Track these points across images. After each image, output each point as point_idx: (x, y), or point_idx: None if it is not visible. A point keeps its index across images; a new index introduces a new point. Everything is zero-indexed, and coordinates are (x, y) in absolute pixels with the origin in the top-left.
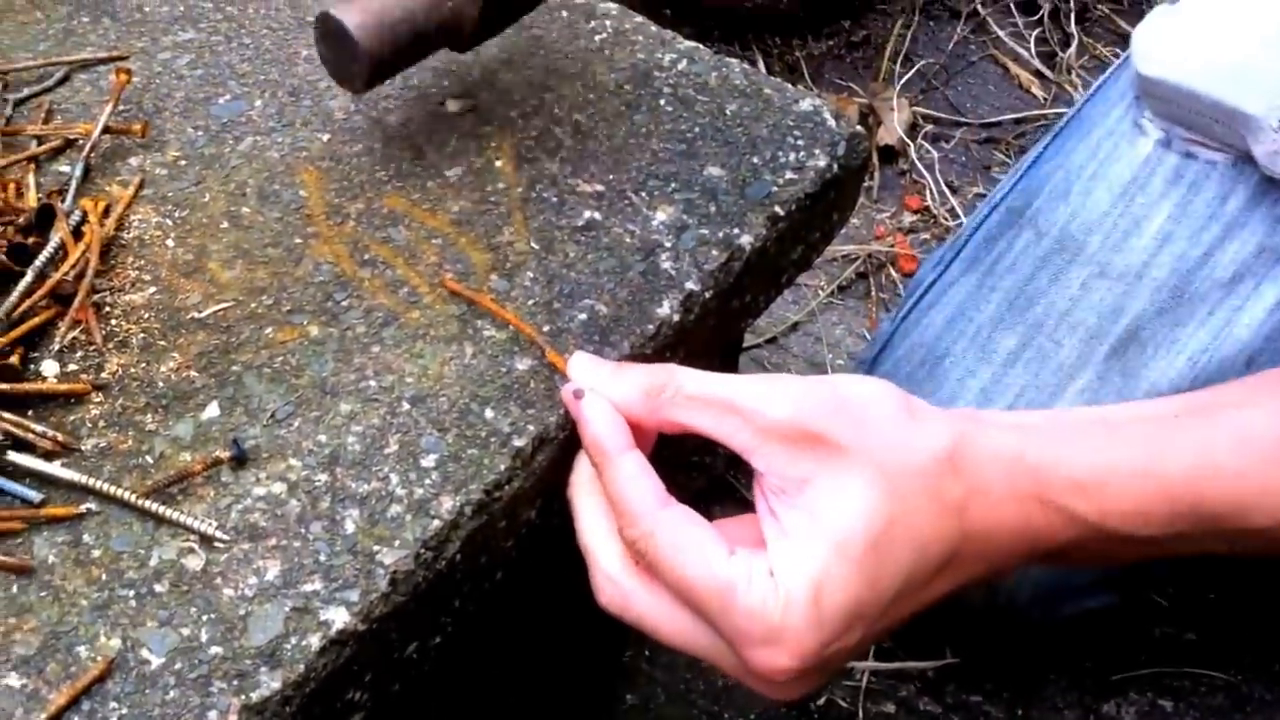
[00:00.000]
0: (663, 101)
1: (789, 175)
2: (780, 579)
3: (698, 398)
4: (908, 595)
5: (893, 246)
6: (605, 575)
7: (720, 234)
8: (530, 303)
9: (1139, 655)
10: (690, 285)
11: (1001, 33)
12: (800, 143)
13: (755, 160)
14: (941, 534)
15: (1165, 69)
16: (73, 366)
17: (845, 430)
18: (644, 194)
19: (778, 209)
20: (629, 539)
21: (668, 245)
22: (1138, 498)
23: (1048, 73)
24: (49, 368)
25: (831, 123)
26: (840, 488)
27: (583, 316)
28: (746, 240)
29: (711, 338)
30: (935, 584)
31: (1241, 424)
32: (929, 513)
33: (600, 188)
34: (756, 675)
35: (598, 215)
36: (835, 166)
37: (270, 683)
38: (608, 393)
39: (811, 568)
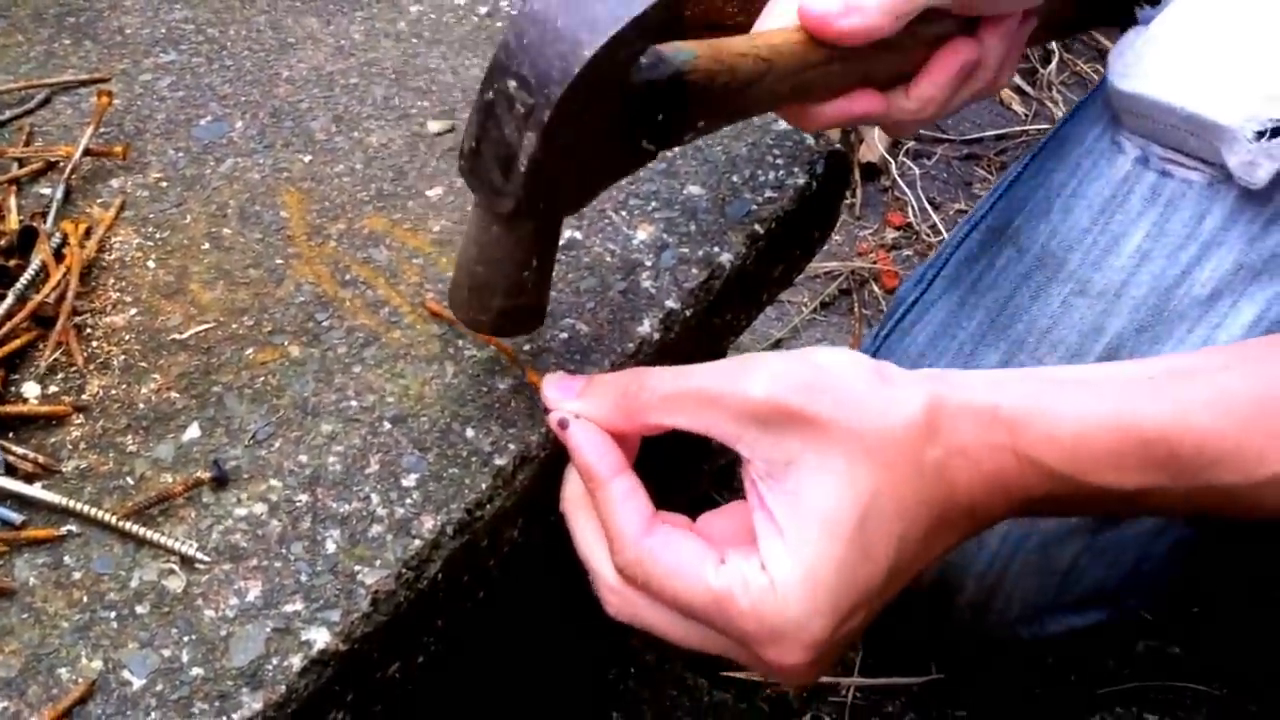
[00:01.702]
0: None
1: (768, 193)
2: (774, 574)
3: (671, 395)
4: (904, 561)
5: (875, 263)
6: (610, 588)
7: (700, 252)
8: None
9: (1124, 669)
10: (670, 304)
11: None
12: (779, 161)
13: (735, 179)
14: (926, 497)
15: (1140, 84)
16: (54, 388)
17: (823, 404)
18: (624, 213)
19: (757, 227)
20: (618, 566)
21: (648, 264)
22: (1111, 450)
23: (1028, 89)
24: (30, 390)
25: (810, 141)
26: (823, 466)
27: (564, 335)
28: (726, 258)
29: (693, 356)
30: (930, 548)
31: (1218, 384)
32: (911, 478)
33: None
34: (774, 669)
35: (578, 234)
36: (815, 184)
37: (252, 703)
38: (582, 410)
39: (803, 556)
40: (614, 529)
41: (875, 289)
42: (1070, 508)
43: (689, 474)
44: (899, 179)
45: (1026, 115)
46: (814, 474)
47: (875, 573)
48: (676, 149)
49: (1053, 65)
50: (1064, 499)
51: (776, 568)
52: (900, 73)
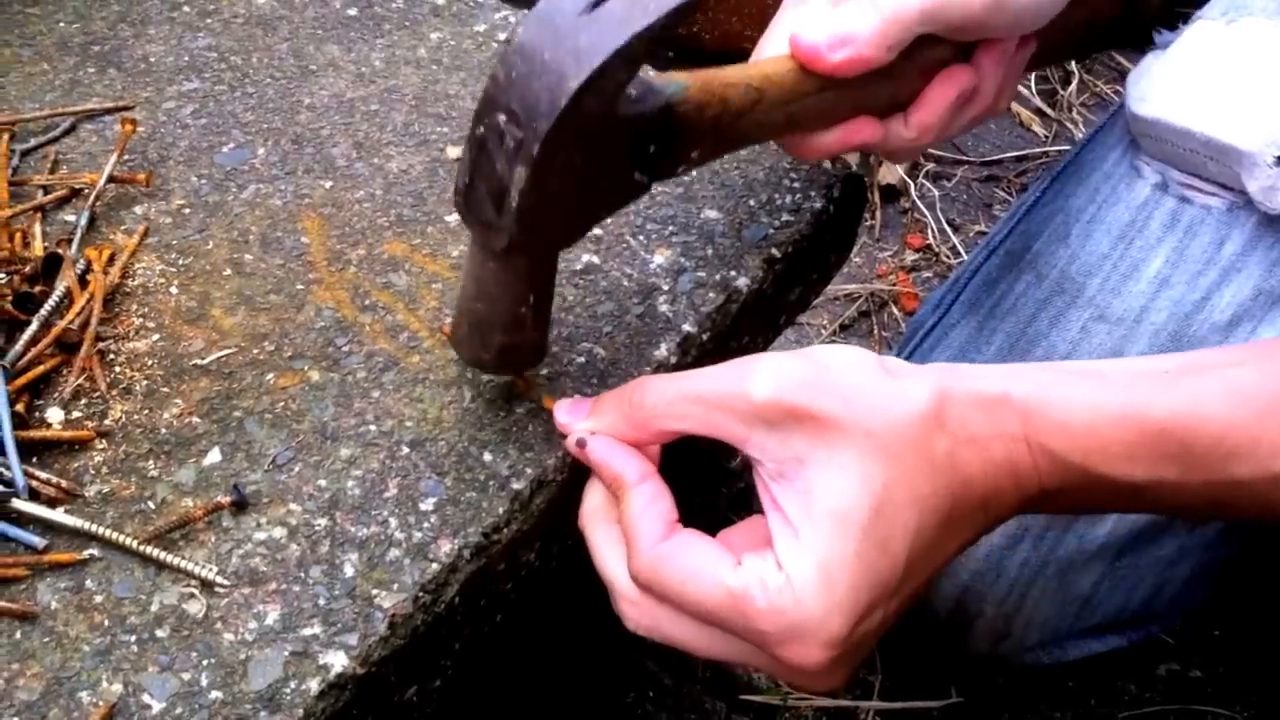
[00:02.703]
0: None
1: (785, 217)
2: (790, 572)
3: (676, 401)
4: (921, 555)
5: (895, 285)
6: (629, 600)
7: (717, 276)
8: None
9: (1145, 693)
10: (688, 328)
11: None
12: (796, 185)
13: (752, 203)
14: (938, 487)
15: (1159, 109)
16: (77, 413)
17: (829, 401)
18: (642, 237)
19: (774, 251)
20: (634, 572)
21: (665, 288)
22: (1124, 440)
23: (1049, 110)
24: (54, 415)
25: (827, 164)
26: (833, 461)
27: (581, 360)
28: (743, 282)
29: None
30: (946, 542)
31: (1233, 378)
32: (923, 469)
33: (598, 231)
34: (795, 671)
35: (595, 259)
36: (831, 208)
37: None
38: (594, 428)
39: (817, 552)
40: (632, 534)
41: (895, 311)
42: (1083, 502)
43: (707, 497)
44: (918, 201)
45: (1047, 137)
46: (824, 471)
47: (892, 567)
48: (688, 176)
49: (1073, 86)
50: (1076, 491)
51: (792, 565)
52: (897, 100)
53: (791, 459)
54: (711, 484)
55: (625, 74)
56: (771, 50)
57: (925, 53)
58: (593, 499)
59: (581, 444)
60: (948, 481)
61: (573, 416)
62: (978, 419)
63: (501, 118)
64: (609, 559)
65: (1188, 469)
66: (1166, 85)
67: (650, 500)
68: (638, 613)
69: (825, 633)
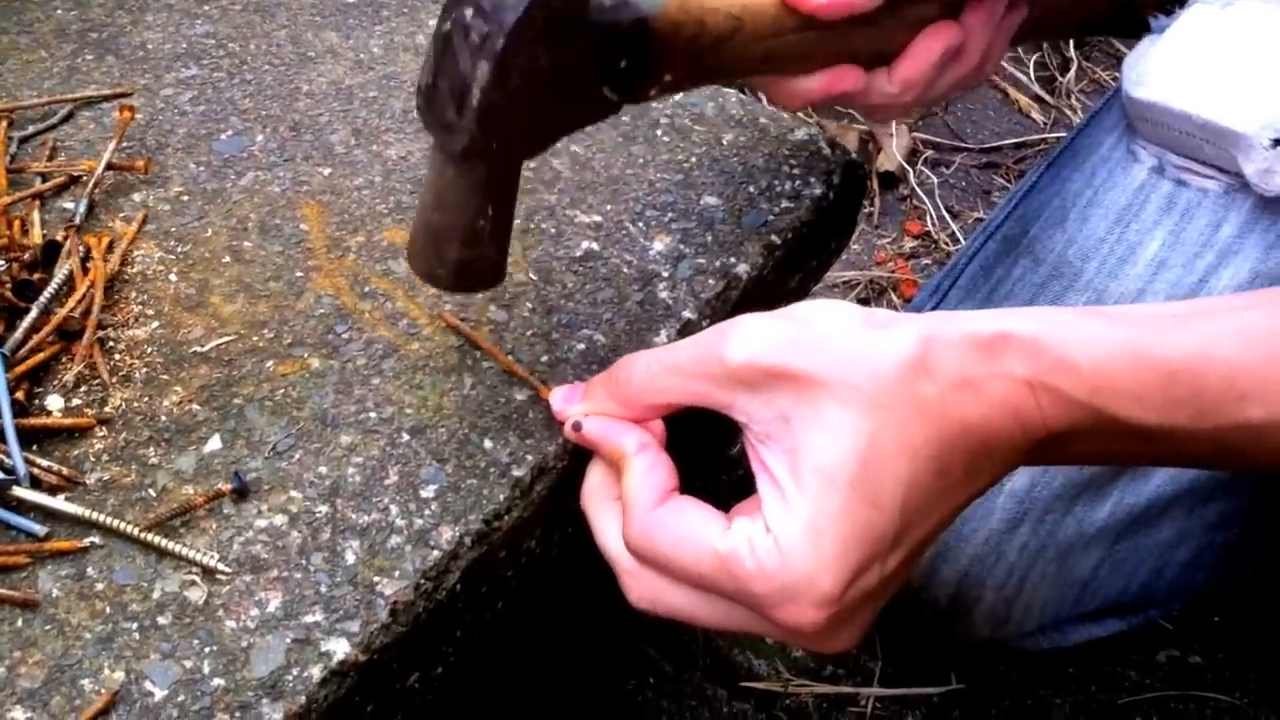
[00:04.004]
0: (660, 132)
1: (785, 204)
2: (777, 532)
3: (658, 374)
4: (920, 508)
5: (894, 272)
6: (629, 572)
7: (717, 263)
8: (529, 333)
9: (1145, 679)
10: (687, 314)
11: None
12: (796, 171)
13: (751, 189)
14: (931, 435)
15: (1156, 92)
16: (77, 401)
17: (808, 357)
18: (641, 224)
19: (774, 237)
20: (629, 540)
21: (665, 275)
22: (1133, 379)
23: (1047, 97)
24: (54, 402)
25: (827, 151)
26: (817, 418)
27: (581, 346)
28: (743, 269)
29: None
30: (950, 492)
31: (1243, 321)
32: (913, 416)
33: (598, 218)
34: (794, 633)
35: (595, 245)
36: (831, 194)
37: (272, 714)
38: (588, 410)
39: (803, 511)
40: (628, 502)
41: (894, 298)
42: (1093, 448)
43: (707, 485)
44: (917, 188)
45: (1045, 123)
46: (809, 428)
47: (884, 520)
48: (688, 162)
49: (1071, 73)
50: (1085, 437)
51: (779, 525)
52: (881, 51)
53: (776, 419)
54: (712, 471)
55: None
56: None
57: (912, 7)
58: (593, 477)
59: (577, 427)
60: (940, 428)
61: (567, 403)
62: (972, 361)
63: (469, 11)
64: (609, 534)
65: (1199, 413)
66: (1163, 68)
67: (647, 469)
68: (639, 585)
69: (816, 592)
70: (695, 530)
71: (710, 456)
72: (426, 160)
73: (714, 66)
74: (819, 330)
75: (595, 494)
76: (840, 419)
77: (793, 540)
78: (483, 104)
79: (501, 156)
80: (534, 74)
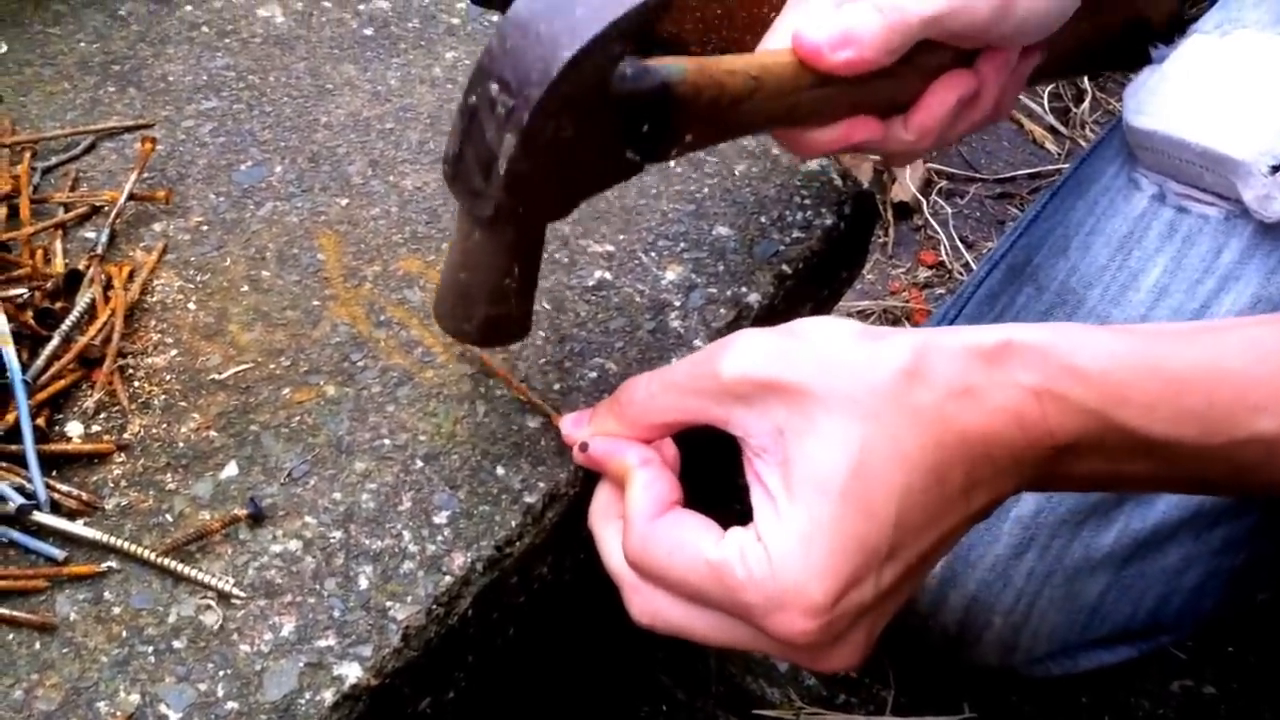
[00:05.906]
0: (672, 163)
1: (796, 234)
2: (768, 541)
3: (657, 393)
4: (916, 519)
5: (908, 302)
6: (631, 586)
7: (729, 293)
8: (542, 361)
9: (1158, 709)
10: (699, 343)
11: None
12: (808, 202)
13: (763, 219)
14: (926, 443)
15: (1155, 120)
16: (96, 427)
17: (801, 369)
18: (654, 254)
19: (785, 267)
20: (627, 552)
21: (676, 304)
22: (1143, 388)
23: (1061, 128)
24: (74, 429)
25: (838, 181)
26: (810, 429)
27: (593, 375)
28: (754, 299)
29: None
30: (949, 504)
31: (1251, 337)
32: (906, 425)
33: (610, 248)
34: (786, 646)
35: (608, 275)
36: (843, 225)
37: None
38: (594, 433)
39: (795, 519)
40: (628, 515)
41: (908, 328)
42: (1099, 467)
43: (720, 514)
44: (931, 218)
45: (1060, 154)
46: (802, 439)
47: (877, 530)
48: (700, 193)
49: (1085, 104)
50: (1092, 449)
51: (770, 534)
52: (896, 101)
53: (771, 431)
54: (724, 499)
55: (619, 47)
56: (775, 44)
57: (927, 57)
58: (600, 498)
59: (584, 448)
60: (936, 436)
61: (576, 427)
62: (974, 369)
63: (494, 87)
64: (613, 551)
65: (1211, 425)
66: (1162, 98)
67: (648, 483)
68: (640, 599)
69: (805, 600)
70: (689, 540)
71: (723, 485)
72: (442, 190)
73: (734, 124)
74: (813, 343)
75: (601, 513)
76: (832, 428)
77: (783, 549)
78: (509, 173)
79: (527, 220)
80: (559, 144)
